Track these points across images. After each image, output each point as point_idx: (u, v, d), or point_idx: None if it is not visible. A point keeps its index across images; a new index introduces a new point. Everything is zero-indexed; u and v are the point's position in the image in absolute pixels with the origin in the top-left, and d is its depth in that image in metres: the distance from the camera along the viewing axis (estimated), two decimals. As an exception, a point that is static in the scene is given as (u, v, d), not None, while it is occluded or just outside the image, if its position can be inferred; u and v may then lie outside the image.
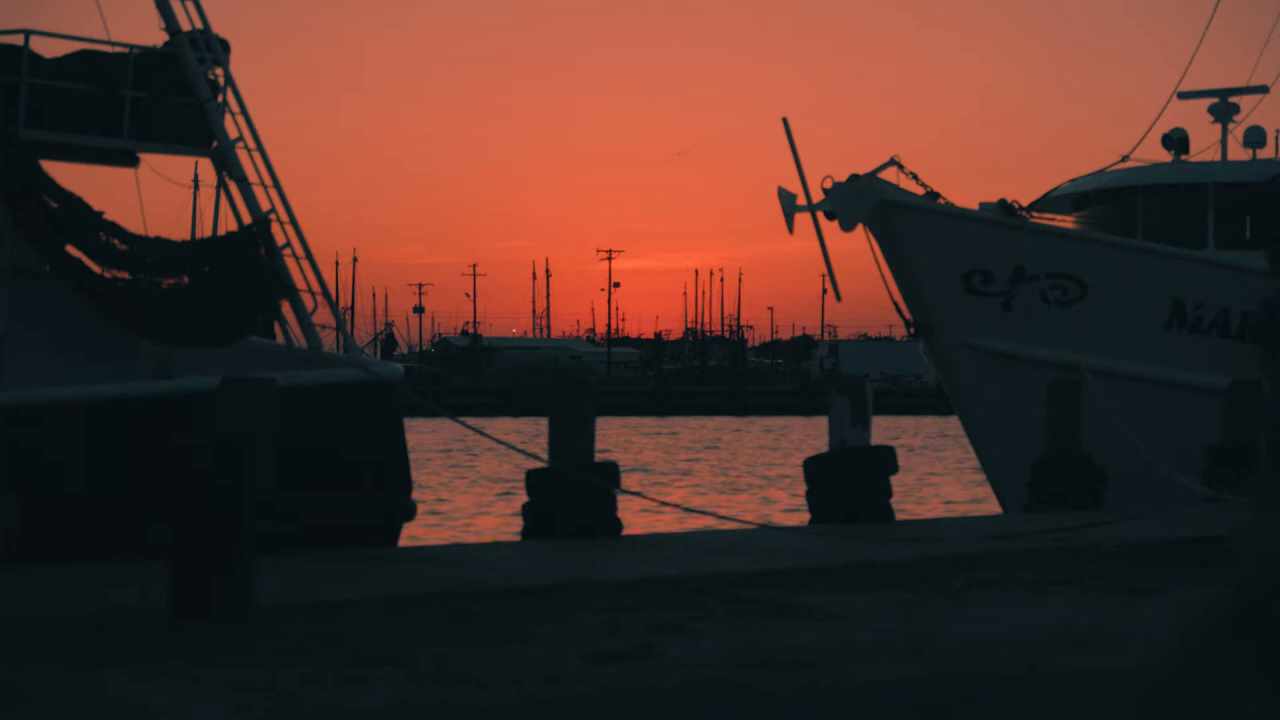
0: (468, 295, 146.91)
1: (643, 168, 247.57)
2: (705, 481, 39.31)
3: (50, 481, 13.92)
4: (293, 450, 14.06)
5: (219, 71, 16.55)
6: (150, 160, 16.80)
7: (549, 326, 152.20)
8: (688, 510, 20.88)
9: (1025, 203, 22.29)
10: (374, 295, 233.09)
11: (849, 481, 16.71)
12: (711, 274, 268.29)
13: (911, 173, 21.28)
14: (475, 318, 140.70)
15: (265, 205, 16.36)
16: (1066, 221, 24.70)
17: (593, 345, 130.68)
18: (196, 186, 18.65)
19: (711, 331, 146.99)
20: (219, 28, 16.67)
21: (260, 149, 16.55)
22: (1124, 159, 25.26)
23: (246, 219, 16.30)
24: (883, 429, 20.20)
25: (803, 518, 18.08)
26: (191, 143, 16.58)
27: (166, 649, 8.37)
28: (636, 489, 25.05)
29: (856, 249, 21.40)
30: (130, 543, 12.78)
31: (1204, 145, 25.78)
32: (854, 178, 20.72)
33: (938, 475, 40.58)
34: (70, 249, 15.38)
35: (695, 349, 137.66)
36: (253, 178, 16.43)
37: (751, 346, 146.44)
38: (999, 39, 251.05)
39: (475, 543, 20.04)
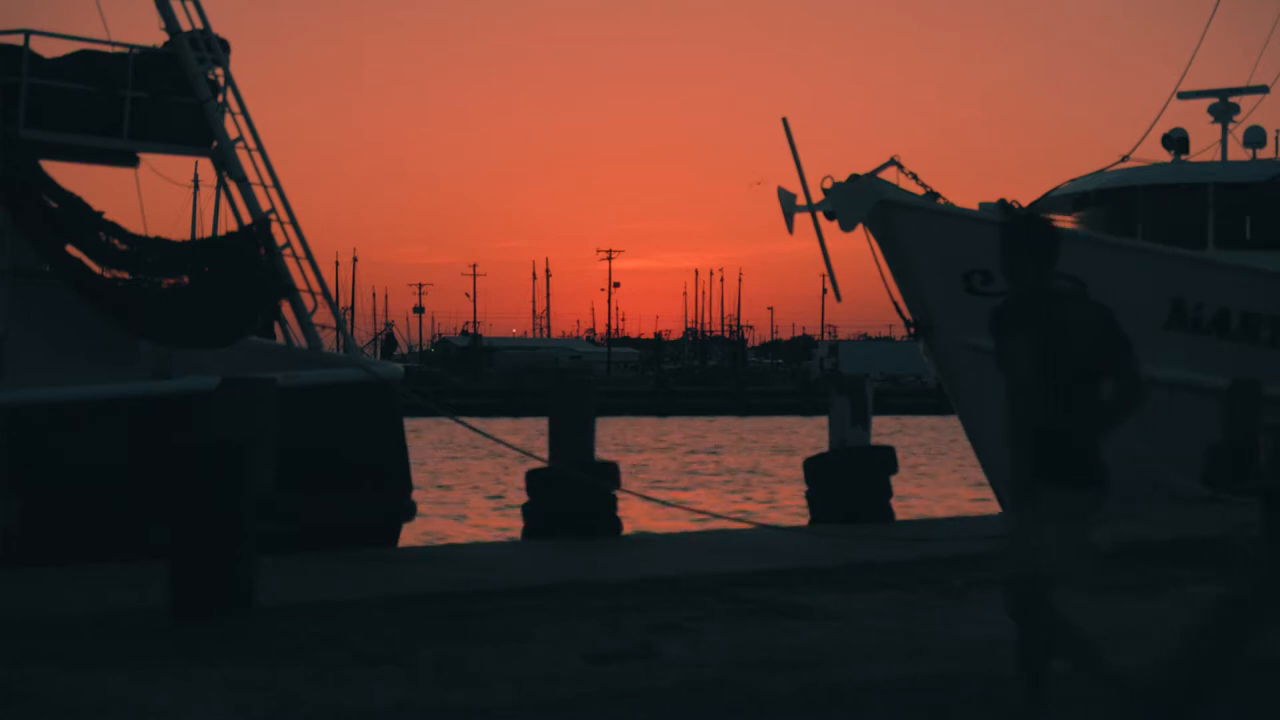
0: (468, 295, 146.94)
1: (643, 168, 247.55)
2: (705, 481, 39.30)
3: (50, 481, 13.92)
4: (293, 450, 14.06)
5: (219, 71, 16.55)
6: (150, 160, 16.81)
7: (549, 326, 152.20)
8: (688, 510, 20.88)
9: (1025, 203, 22.28)
10: (374, 295, 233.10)
11: (849, 481, 16.72)
12: (711, 274, 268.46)
13: (911, 173, 21.27)
14: (475, 318, 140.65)
15: (265, 205, 16.37)
16: (1066, 221, 24.70)
17: (593, 345, 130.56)
18: (196, 186, 18.67)
19: (711, 331, 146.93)
20: (219, 28, 16.69)
21: (260, 149, 16.55)
22: (1124, 159, 25.27)
23: (246, 219, 16.30)
24: (883, 429, 20.19)
25: (803, 518, 18.08)
26: (191, 143, 16.59)
27: (166, 649, 8.37)
28: (636, 489, 25.04)
29: (856, 249, 21.42)
30: (130, 543, 12.78)
31: (1204, 145, 25.80)
32: (854, 178, 20.71)
33: (938, 475, 40.57)
34: (70, 249, 15.38)
35: (695, 349, 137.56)
36: (253, 178, 16.44)
37: (751, 346, 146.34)
38: (999, 39, 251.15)
39: (475, 543, 20.02)
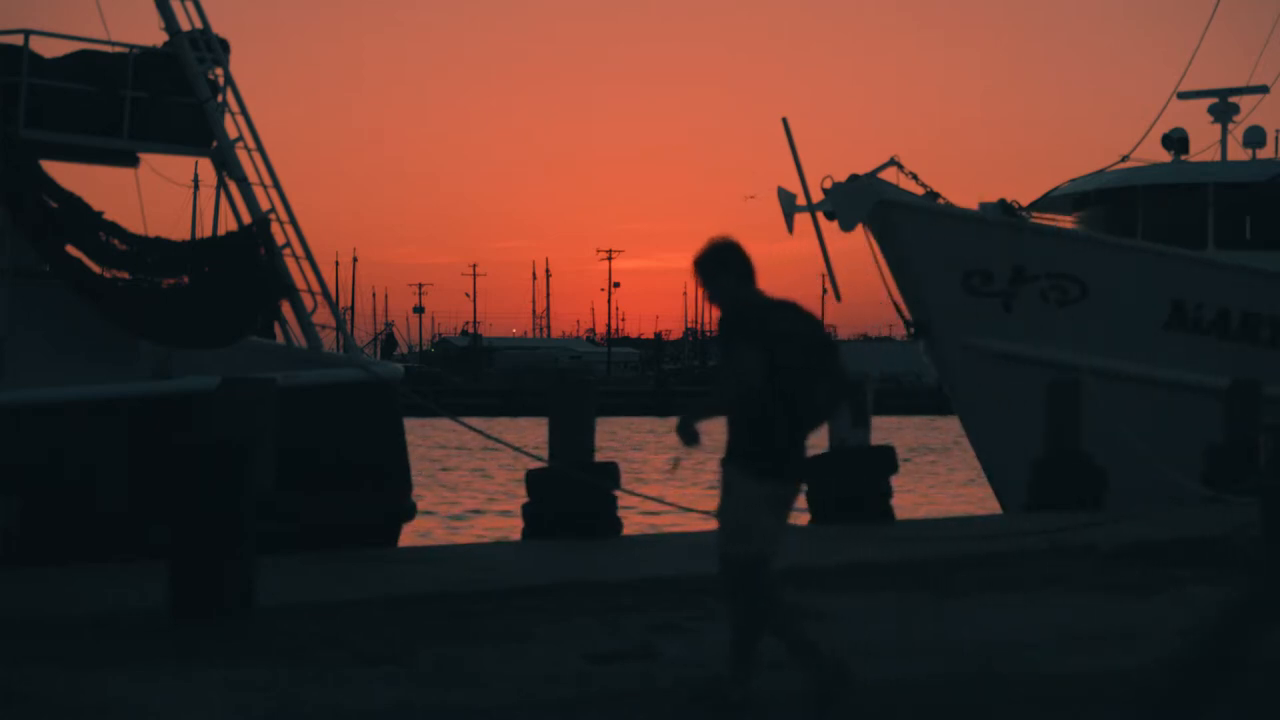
0: (468, 295, 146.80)
1: (643, 168, 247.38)
2: (705, 481, 39.28)
3: (50, 481, 13.92)
4: (293, 450, 14.06)
5: (219, 71, 16.55)
6: (150, 160, 16.81)
7: (549, 326, 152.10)
8: (688, 510, 20.86)
9: (1025, 203, 22.29)
10: (374, 295, 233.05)
11: (849, 481, 16.70)
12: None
13: (911, 173, 21.29)
14: (475, 318, 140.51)
15: (265, 205, 16.37)
16: (1066, 221, 24.71)
17: (593, 345, 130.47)
18: (196, 186, 18.67)
19: (711, 331, 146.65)
20: (219, 28, 16.69)
21: (260, 149, 16.55)
22: (1124, 159, 25.28)
23: (246, 219, 16.31)
24: (883, 429, 20.16)
25: (802, 518, 18.07)
26: (191, 143, 16.59)
27: (166, 649, 8.37)
28: (637, 489, 25.03)
29: (856, 249, 21.38)
30: (130, 543, 12.78)
31: (1204, 145, 25.80)
32: (854, 178, 20.72)
33: (937, 475, 40.58)
34: (70, 249, 15.38)
35: (695, 349, 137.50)
36: (253, 178, 16.44)
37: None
38: (999, 39, 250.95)
39: (475, 543, 20.02)
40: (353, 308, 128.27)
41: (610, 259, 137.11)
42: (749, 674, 7.12)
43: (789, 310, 7.16)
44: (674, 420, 7.32)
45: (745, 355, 6.92)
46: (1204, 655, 6.07)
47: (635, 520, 22.13)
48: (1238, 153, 25.69)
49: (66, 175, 15.73)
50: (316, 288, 16.60)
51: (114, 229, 15.49)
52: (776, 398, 6.94)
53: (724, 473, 7.09)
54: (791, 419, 7.00)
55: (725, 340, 7.07)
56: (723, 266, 7.19)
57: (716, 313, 7.21)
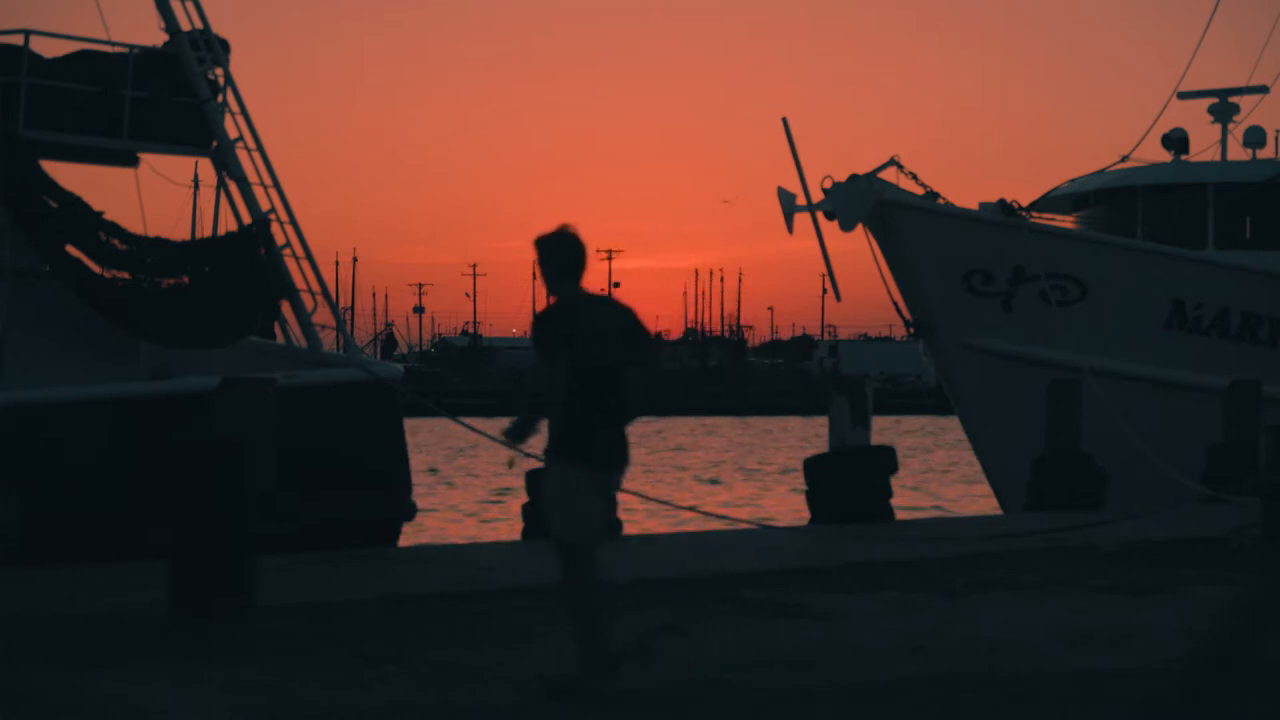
0: (468, 295, 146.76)
1: (643, 168, 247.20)
2: (704, 481, 39.28)
3: (50, 481, 13.91)
4: (293, 450, 14.06)
5: (219, 71, 16.55)
6: (150, 160, 16.81)
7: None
8: (687, 510, 20.86)
9: (1025, 203, 22.28)
10: (374, 295, 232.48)
11: (849, 481, 16.70)
12: (711, 274, 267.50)
13: (911, 173, 21.27)
14: (475, 318, 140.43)
15: (265, 205, 16.37)
16: (1066, 221, 24.70)
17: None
18: (196, 186, 18.67)
19: (711, 331, 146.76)
20: (219, 28, 16.69)
21: (260, 149, 16.56)
22: (1124, 159, 25.26)
23: (246, 219, 16.31)
24: (883, 429, 20.16)
25: (803, 518, 18.07)
26: (191, 143, 16.59)
27: (166, 649, 8.37)
28: (636, 489, 25.01)
29: (856, 249, 21.36)
30: (130, 543, 12.78)
31: (1204, 145, 25.79)
32: (854, 178, 20.70)
33: (937, 475, 40.58)
34: (70, 249, 15.38)
35: (695, 350, 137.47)
36: (253, 178, 16.44)
37: (751, 346, 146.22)
38: (999, 39, 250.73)
39: (475, 543, 20.02)
40: (353, 308, 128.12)
41: (610, 259, 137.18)
42: (606, 662, 7.31)
43: (599, 305, 7.50)
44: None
45: (554, 363, 7.26)
46: (1209, 657, 6.06)
47: (635, 520, 22.14)
48: (1238, 153, 25.69)
49: (66, 175, 15.75)
50: (316, 288, 16.60)
51: (114, 229, 15.49)
52: (584, 390, 7.24)
53: (546, 463, 7.41)
54: (600, 410, 7.30)
55: (535, 343, 7.37)
56: (551, 257, 7.51)
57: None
